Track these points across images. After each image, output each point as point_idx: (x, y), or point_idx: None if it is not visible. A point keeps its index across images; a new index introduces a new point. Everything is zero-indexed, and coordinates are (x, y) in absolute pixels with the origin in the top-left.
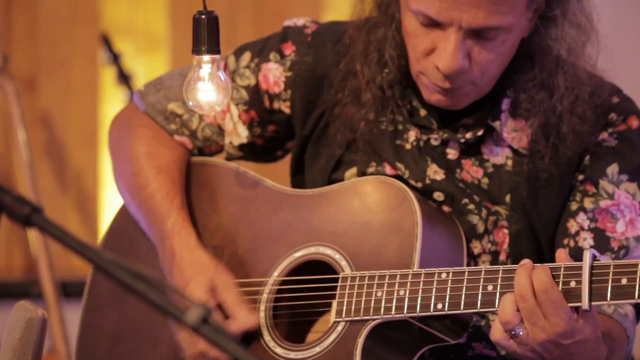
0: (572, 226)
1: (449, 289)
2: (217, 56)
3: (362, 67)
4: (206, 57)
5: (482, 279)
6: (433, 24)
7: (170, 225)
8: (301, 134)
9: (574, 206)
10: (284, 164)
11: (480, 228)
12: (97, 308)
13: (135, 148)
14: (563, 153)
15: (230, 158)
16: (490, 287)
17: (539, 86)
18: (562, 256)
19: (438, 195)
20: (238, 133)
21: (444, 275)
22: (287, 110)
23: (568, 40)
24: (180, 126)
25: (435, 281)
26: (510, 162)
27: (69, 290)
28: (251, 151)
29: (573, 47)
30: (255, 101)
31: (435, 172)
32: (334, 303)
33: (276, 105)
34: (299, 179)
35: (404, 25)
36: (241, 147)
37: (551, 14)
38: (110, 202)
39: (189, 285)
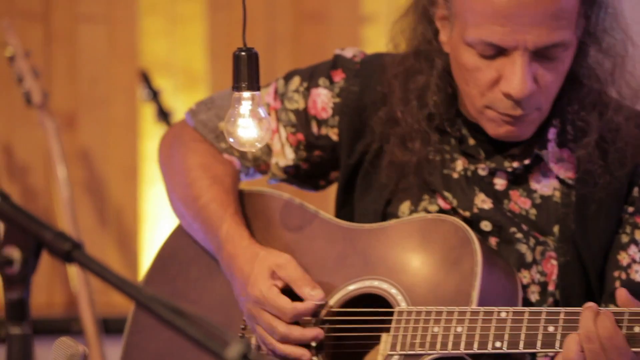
0: (624, 259)
1: (508, 327)
2: (257, 93)
3: (403, 115)
4: (246, 94)
5: (543, 320)
6: (496, 52)
7: (225, 232)
8: (347, 162)
9: (624, 238)
10: (328, 197)
11: (529, 257)
12: (142, 329)
13: (189, 160)
14: (611, 181)
15: (274, 178)
16: (551, 328)
17: (590, 108)
18: (622, 295)
19: (485, 225)
20: (285, 154)
21: (503, 314)
22: (334, 137)
23: (611, 57)
24: (230, 146)
25: (494, 319)
26: (557, 193)
27: (109, 326)
28: (295, 175)
29: (614, 66)
30: (303, 125)
31: (483, 202)
32: (386, 336)
33: (324, 130)
34: (347, 210)
35: (462, 62)
36: (286, 169)
37: (593, 29)
38: (150, 238)
39: (251, 280)
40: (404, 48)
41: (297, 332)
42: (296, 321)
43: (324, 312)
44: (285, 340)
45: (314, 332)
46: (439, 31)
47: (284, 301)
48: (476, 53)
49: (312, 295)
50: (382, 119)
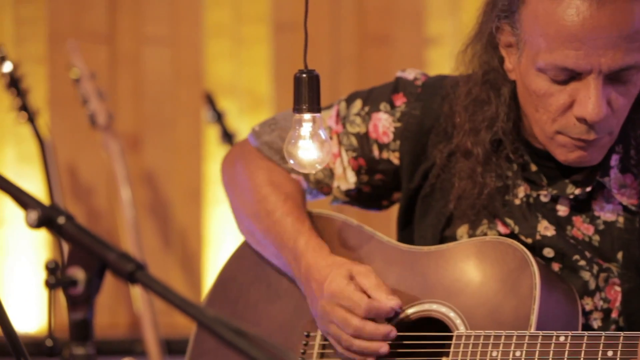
0: None
1: (567, 352)
2: (317, 115)
3: (473, 146)
4: (307, 116)
5: (602, 344)
6: (568, 76)
7: (304, 243)
8: (408, 186)
9: None
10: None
11: (592, 285)
12: (205, 351)
13: (258, 178)
14: None
15: (336, 201)
16: (610, 353)
17: None
18: None
19: (548, 252)
20: (346, 178)
21: (562, 339)
22: (395, 161)
23: None
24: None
25: (552, 344)
26: (621, 219)
27: (172, 347)
28: (357, 197)
29: None
30: (365, 149)
31: (545, 228)
32: None
33: (385, 155)
34: (407, 233)
35: (532, 88)
36: (348, 192)
37: None
38: (213, 260)
39: (329, 278)
40: (470, 76)
41: (370, 326)
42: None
43: (396, 329)
44: (358, 334)
45: (387, 328)
46: (504, 59)
47: (359, 295)
48: (548, 78)
49: (389, 299)
50: (446, 150)
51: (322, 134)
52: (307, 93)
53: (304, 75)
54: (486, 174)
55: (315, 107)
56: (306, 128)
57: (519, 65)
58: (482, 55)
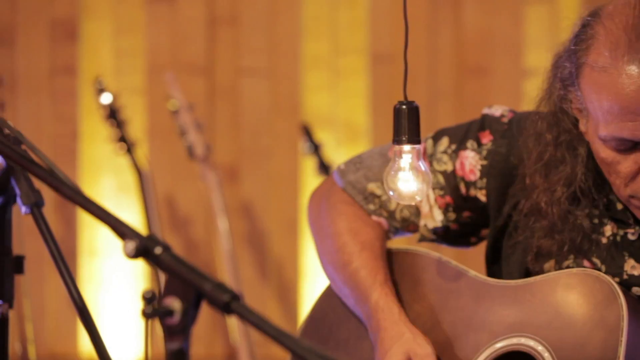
0: None
1: None
2: (417, 146)
3: (548, 206)
4: (406, 147)
5: None
6: (630, 145)
7: (374, 302)
8: (495, 223)
9: None
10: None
11: None
12: None
13: (338, 224)
14: None
15: (423, 240)
16: None
17: None
18: None
19: (636, 290)
20: (433, 216)
21: None
22: (482, 199)
23: None
24: (379, 207)
25: None
26: None
27: None
28: (445, 235)
29: None
30: (452, 187)
31: (632, 267)
32: None
33: (472, 192)
34: (495, 268)
35: (601, 156)
36: (435, 230)
37: None
38: (310, 292)
39: (388, 353)
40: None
41: None
42: None
43: None
44: None
45: None
46: (578, 120)
47: None
48: (612, 147)
49: None
50: (524, 211)
51: (422, 165)
52: (406, 124)
53: (404, 107)
54: (567, 231)
55: (414, 138)
56: (406, 159)
57: (588, 130)
58: (552, 119)
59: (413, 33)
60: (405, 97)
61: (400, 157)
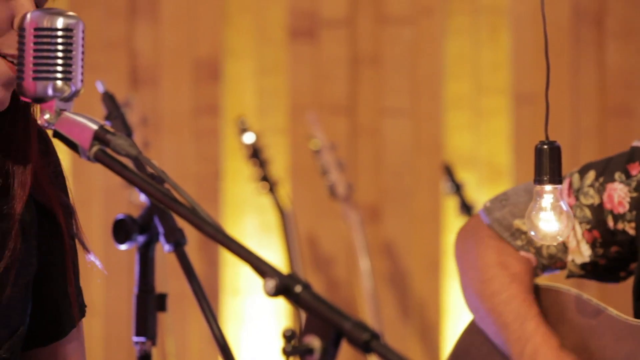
0: None
1: None
2: (558, 186)
3: None
4: (548, 187)
5: None
6: None
7: (534, 327)
8: None
9: None
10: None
11: None
12: None
13: (485, 257)
14: None
15: (572, 276)
16: None
17: None
18: None
19: None
20: (581, 252)
21: None
22: (631, 232)
23: None
24: (526, 243)
25: None
26: None
27: None
28: (593, 271)
29: None
30: (599, 221)
31: None
32: None
33: (620, 225)
34: None
35: None
36: (583, 265)
37: None
38: (452, 332)
39: None
40: None
41: None
42: None
43: None
44: None
45: None
46: None
47: None
48: None
49: None
50: None
51: (563, 205)
52: (548, 164)
53: (545, 147)
54: None
55: (556, 178)
56: (547, 199)
57: None
58: None
59: (556, 72)
60: (547, 137)
61: (542, 197)
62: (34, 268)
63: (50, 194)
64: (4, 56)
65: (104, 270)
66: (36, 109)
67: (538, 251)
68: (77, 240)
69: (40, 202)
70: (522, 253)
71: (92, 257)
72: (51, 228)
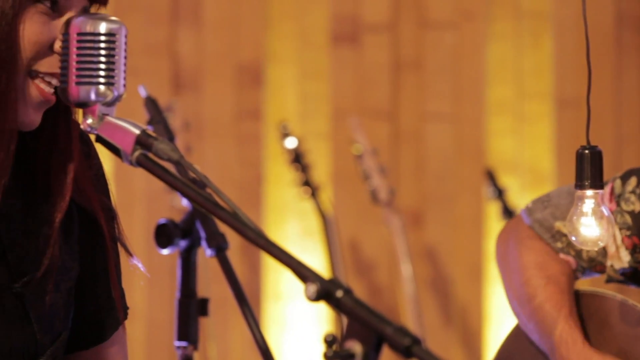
0: None
1: None
2: (600, 191)
3: None
4: (589, 192)
5: None
6: None
7: (558, 335)
8: None
9: None
10: None
11: None
12: None
13: (524, 258)
14: None
15: (611, 281)
16: None
17: None
18: None
19: None
20: (620, 257)
21: None
22: None
23: None
24: (567, 245)
25: None
26: None
27: None
28: (633, 277)
29: None
30: (639, 227)
31: None
32: None
33: None
34: None
35: None
36: (622, 271)
37: None
38: (495, 337)
39: None
40: None
41: None
42: None
43: None
44: None
45: None
46: None
47: None
48: None
49: None
50: None
51: (604, 210)
52: (589, 169)
53: (587, 151)
54: None
55: (597, 183)
56: (588, 205)
57: None
58: None
59: (598, 77)
60: (588, 142)
61: (583, 201)
62: (76, 272)
63: (92, 197)
64: (42, 76)
65: (146, 274)
66: (78, 112)
67: (578, 254)
68: (119, 244)
69: (82, 205)
70: (562, 255)
71: (134, 261)
72: (93, 231)
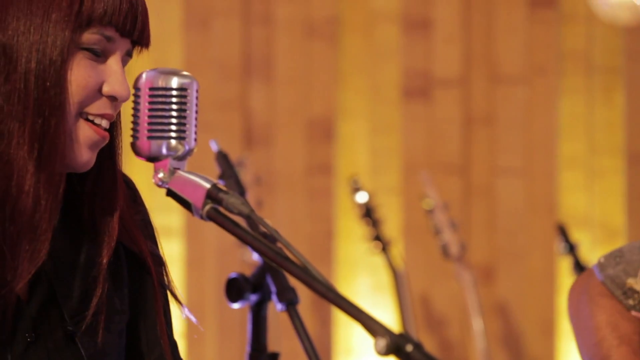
0: None
1: None
2: None
3: None
4: None
5: None
6: None
7: None
8: None
9: None
10: None
11: None
12: None
13: (596, 317)
14: None
15: None
16: None
17: None
18: None
19: None
20: None
21: None
22: None
23: None
24: (638, 302)
25: None
26: None
27: None
28: None
29: None
30: None
31: None
32: None
33: None
34: None
35: None
36: None
37: None
38: None
39: None
40: None
41: None
42: None
43: None
44: None
45: None
46: None
47: None
48: None
49: None
50: None
51: None
52: None
53: None
54: None
55: None
56: None
57: None
58: None
59: None
60: None
61: None
62: (127, 316)
63: (139, 241)
64: (92, 120)
65: (200, 327)
66: (121, 156)
67: None
68: (169, 293)
69: (130, 248)
70: (634, 313)
71: (186, 312)
72: (141, 277)
